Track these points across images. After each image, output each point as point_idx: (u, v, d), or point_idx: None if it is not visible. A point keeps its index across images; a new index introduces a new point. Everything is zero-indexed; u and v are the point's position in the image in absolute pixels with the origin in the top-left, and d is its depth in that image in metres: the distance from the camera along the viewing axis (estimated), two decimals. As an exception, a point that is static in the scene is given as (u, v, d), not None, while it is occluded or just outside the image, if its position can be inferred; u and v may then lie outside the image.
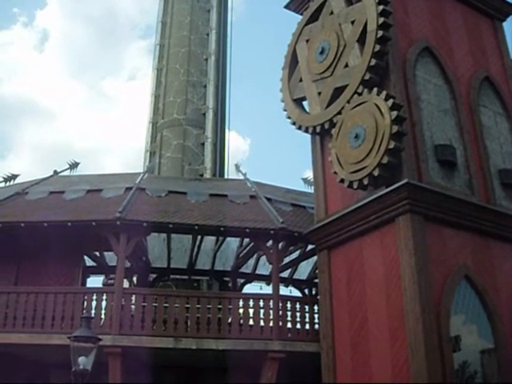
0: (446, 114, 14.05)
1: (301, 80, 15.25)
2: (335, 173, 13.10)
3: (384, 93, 12.39)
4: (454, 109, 14.24)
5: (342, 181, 12.86)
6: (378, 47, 12.97)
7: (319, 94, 14.41)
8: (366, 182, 12.27)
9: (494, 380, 11.67)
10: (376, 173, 11.97)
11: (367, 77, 13.02)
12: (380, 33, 12.99)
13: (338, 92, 13.74)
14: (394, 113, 11.95)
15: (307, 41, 15.44)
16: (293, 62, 15.76)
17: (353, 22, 13.90)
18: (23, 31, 71.66)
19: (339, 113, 13.46)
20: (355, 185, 12.52)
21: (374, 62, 12.97)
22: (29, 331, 14.10)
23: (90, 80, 70.49)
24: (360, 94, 13.02)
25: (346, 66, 13.74)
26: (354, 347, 12.62)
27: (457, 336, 11.49)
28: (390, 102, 12.13)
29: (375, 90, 12.62)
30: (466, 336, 11.70)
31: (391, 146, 11.79)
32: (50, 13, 69.92)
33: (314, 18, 15.53)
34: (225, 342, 14.32)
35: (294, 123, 15.11)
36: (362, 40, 13.43)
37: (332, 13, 14.84)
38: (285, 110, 15.44)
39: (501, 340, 12.04)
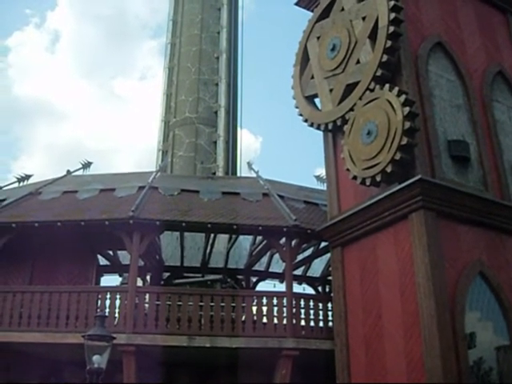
0: (458, 109, 13.95)
1: (312, 77, 15.22)
2: (348, 170, 13.06)
3: (396, 89, 12.33)
4: (467, 104, 14.14)
5: (355, 178, 12.82)
6: (389, 43, 12.90)
7: (331, 90, 14.37)
8: (378, 178, 12.22)
9: (510, 377, 11.59)
10: (389, 169, 11.92)
11: (379, 73, 12.96)
12: (391, 28, 12.92)
13: (350, 88, 13.69)
14: (407, 109, 11.89)
15: (318, 38, 15.39)
16: (304, 59, 15.72)
17: (364, 18, 13.84)
18: (35, 32, 72.22)
19: (351, 109, 13.41)
20: (368, 181, 12.47)
21: (385, 57, 12.90)
22: (43, 330, 14.17)
23: (101, 80, 71.06)
24: (372, 91, 12.96)
25: (358, 62, 13.68)
26: (368, 344, 12.58)
27: (472, 332, 11.43)
28: (403, 97, 12.06)
29: (387, 86, 12.56)
30: (481, 332, 11.64)
31: (404, 142, 11.73)
32: (61, 14, 70.42)
33: (324, 14, 15.48)
34: (238, 340, 14.31)
35: (305, 120, 15.08)
36: (373, 36, 13.37)
37: (343, 9, 14.79)
38: (296, 108, 15.42)
39: (516, 336, 11.95)
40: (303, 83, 15.50)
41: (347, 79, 13.88)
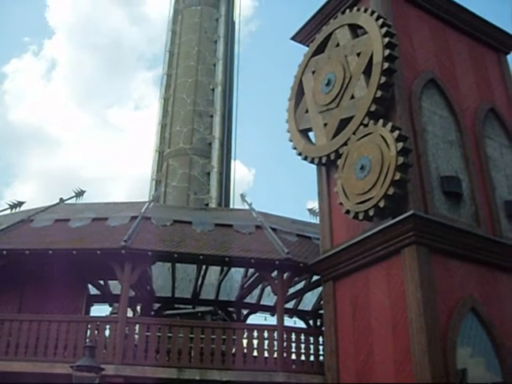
0: (451, 145, 14.08)
1: (307, 111, 15.34)
2: (341, 204, 13.09)
3: (390, 124, 12.44)
4: (460, 140, 14.29)
5: (348, 212, 12.85)
6: (383, 79, 13.05)
7: (325, 125, 14.47)
8: (371, 213, 12.25)
9: (502, 415, 11.51)
10: (382, 204, 11.96)
11: (373, 108, 13.08)
12: (386, 65, 13.09)
13: (344, 123, 13.80)
14: (400, 144, 11.98)
15: (313, 72, 15.57)
16: (299, 93, 15.88)
17: (359, 54, 14.02)
18: (33, 60, 72.69)
19: (345, 144, 13.50)
20: (361, 216, 12.49)
21: (379, 93, 13.04)
22: (31, 359, 13.97)
23: (96, 109, 71.38)
24: (366, 126, 13.07)
25: (352, 97, 13.82)
26: (360, 379, 12.47)
27: (464, 369, 11.36)
28: (396, 133, 12.16)
29: (381, 121, 12.67)
30: (473, 369, 11.58)
31: (397, 177, 11.79)
32: (58, 42, 70.99)
33: (320, 49, 15.68)
34: (229, 373, 14.15)
35: (299, 154, 15.16)
36: (367, 72, 13.54)
37: (338, 45, 14.98)
38: (291, 141, 15.51)
39: (509, 373, 11.87)
40: (298, 117, 15.62)
41: (341, 114, 13.99)
